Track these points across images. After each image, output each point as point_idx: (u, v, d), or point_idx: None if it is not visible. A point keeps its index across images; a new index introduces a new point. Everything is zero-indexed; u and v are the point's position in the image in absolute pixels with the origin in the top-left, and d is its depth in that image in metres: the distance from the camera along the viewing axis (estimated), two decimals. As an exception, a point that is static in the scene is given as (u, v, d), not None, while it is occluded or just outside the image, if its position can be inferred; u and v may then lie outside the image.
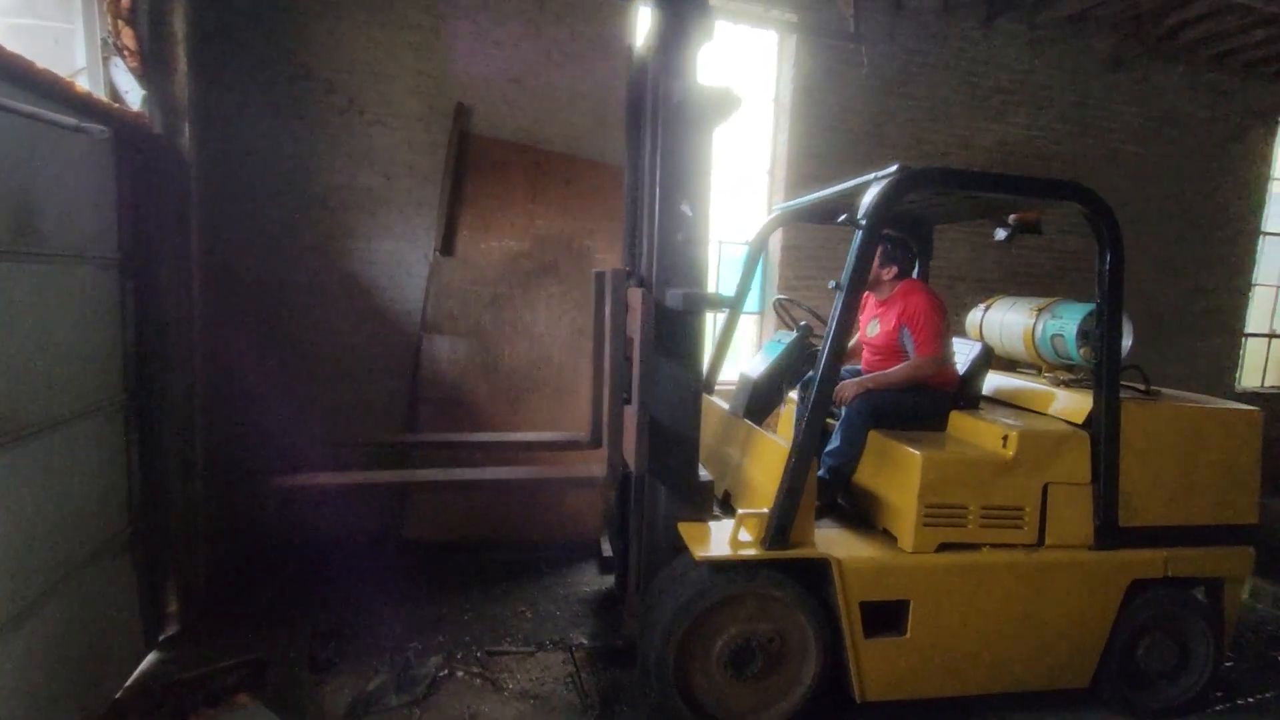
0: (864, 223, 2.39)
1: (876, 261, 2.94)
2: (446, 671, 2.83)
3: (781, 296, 3.23)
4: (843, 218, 2.47)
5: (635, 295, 2.43)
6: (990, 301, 3.44)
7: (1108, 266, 2.57)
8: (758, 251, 3.50)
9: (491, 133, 4.16)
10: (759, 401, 3.08)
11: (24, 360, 2.02)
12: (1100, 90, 5.62)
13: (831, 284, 2.43)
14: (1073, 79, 5.52)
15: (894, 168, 2.40)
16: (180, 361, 2.94)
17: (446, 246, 4.01)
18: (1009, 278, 5.48)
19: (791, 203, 3.37)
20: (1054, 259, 5.66)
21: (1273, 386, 6.86)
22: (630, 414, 2.54)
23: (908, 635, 2.53)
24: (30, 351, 2.05)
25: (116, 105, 2.62)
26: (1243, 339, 6.61)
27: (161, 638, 2.91)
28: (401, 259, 4.10)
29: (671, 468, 2.55)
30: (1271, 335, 6.90)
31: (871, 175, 2.53)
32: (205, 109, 3.29)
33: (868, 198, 2.42)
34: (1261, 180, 6.39)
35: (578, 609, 3.46)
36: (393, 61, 3.97)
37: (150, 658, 2.79)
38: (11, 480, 1.95)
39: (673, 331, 2.48)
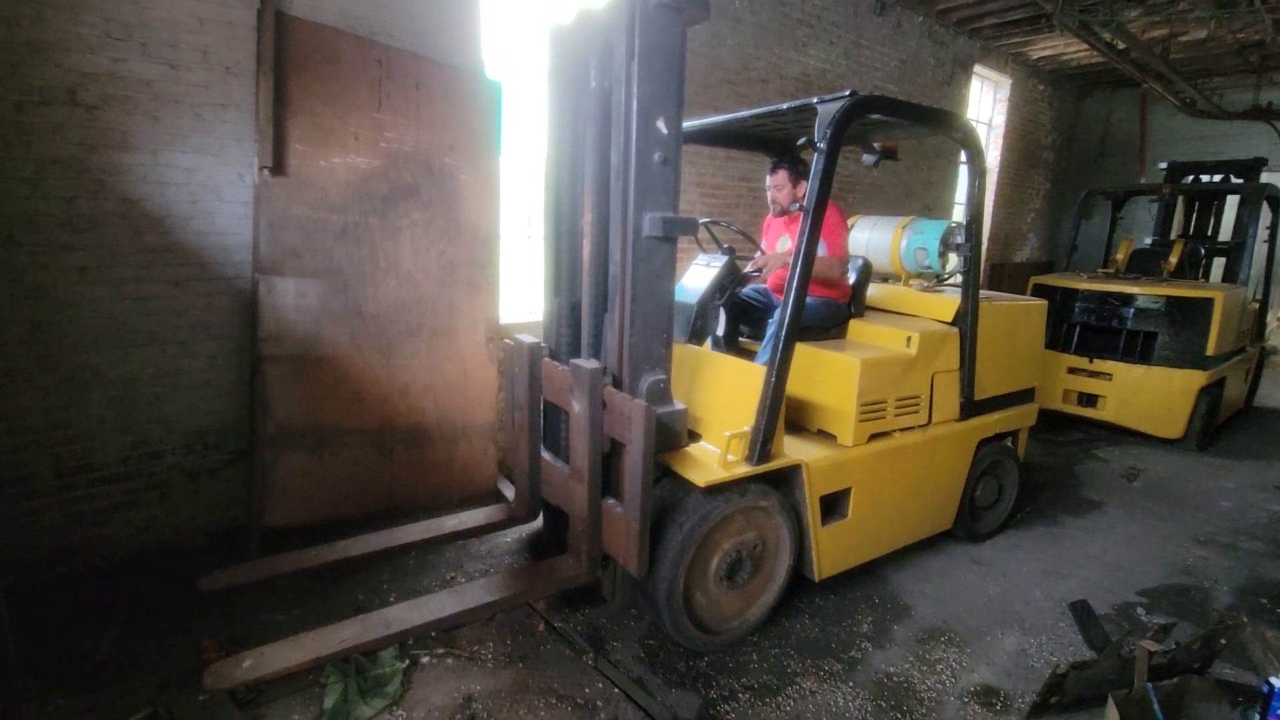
0: (822, 146, 2.50)
1: (791, 183, 3.10)
2: (408, 663, 2.49)
3: (705, 219, 3.22)
4: (802, 140, 2.54)
5: (628, 404, 2.24)
6: (852, 221, 3.87)
7: (975, 189, 3.09)
8: None
9: (314, 16, 3.29)
10: (694, 325, 3.10)
11: None
12: (870, 32, 6.45)
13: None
14: (852, 20, 6.23)
15: (846, 93, 2.52)
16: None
17: (277, 164, 3.15)
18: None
19: (691, 123, 3.32)
20: (839, 182, 6.53)
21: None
22: (617, 513, 2.40)
23: (849, 517, 2.92)
24: None
25: None
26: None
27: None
28: (207, 179, 3.12)
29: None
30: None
31: (814, 99, 2.62)
32: None
33: (822, 121, 2.52)
34: (961, 119, 8.05)
35: (510, 562, 3.25)
36: (156, -104, 2.84)
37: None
38: None
39: (648, 260, 2.35)
